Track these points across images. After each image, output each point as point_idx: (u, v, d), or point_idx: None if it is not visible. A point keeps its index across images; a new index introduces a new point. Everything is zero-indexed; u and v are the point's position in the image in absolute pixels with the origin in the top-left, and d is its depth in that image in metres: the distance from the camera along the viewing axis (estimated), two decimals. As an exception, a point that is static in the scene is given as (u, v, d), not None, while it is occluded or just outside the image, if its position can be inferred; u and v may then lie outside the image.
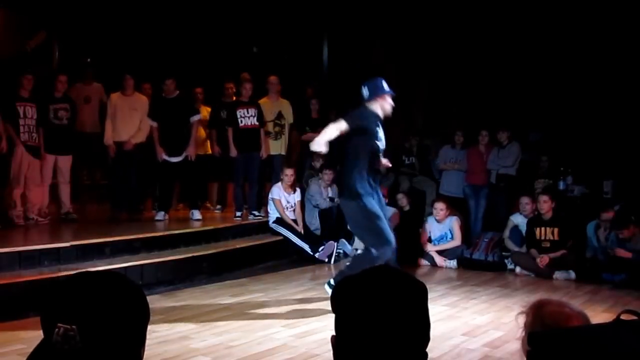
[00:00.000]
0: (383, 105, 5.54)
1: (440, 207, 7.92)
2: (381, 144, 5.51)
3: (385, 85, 5.56)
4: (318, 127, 9.39)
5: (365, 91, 5.55)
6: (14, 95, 7.19)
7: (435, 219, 7.91)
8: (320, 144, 5.34)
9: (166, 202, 8.23)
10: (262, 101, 8.55)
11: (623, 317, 1.15)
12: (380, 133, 5.51)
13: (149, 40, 10.51)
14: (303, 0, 11.25)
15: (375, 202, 5.45)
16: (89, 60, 9.90)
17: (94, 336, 1.14)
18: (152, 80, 8.80)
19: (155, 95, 8.39)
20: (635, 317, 1.15)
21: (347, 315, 1.25)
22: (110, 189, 8.54)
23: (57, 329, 1.13)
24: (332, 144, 9.89)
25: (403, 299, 1.23)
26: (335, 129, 5.39)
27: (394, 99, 5.63)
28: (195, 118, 8.16)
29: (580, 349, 1.12)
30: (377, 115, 5.53)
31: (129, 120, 7.84)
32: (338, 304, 1.27)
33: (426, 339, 1.25)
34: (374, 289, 1.24)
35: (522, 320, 1.89)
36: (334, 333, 1.28)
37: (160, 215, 7.96)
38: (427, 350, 1.28)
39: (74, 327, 1.12)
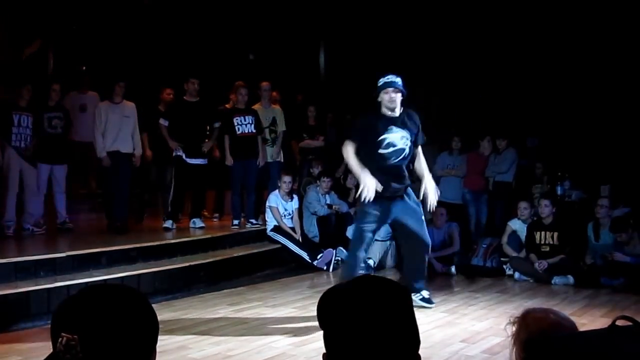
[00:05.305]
0: (383, 100, 5.36)
1: (440, 212, 7.84)
2: (387, 150, 5.36)
3: (385, 78, 5.35)
4: (315, 133, 9.43)
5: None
6: (12, 104, 7.17)
7: (435, 225, 7.86)
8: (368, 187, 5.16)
9: (177, 208, 8.00)
10: (255, 107, 8.46)
11: (618, 323, 1.14)
12: (388, 136, 5.33)
13: (144, 48, 10.52)
14: (299, 7, 11.28)
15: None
16: (84, 68, 9.89)
17: (95, 347, 1.15)
18: (151, 87, 8.81)
19: (175, 98, 8.29)
20: (630, 323, 1.14)
21: (335, 329, 1.23)
22: (105, 200, 8.35)
23: (60, 339, 1.15)
24: (332, 151, 9.83)
25: (388, 306, 1.22)
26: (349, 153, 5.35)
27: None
28: (217, 124, 8.15)
29: (575, 356, 1.11)
30: (376, 117, 5.38)
31: (122, 129, 7.57)
32: (325, 319, 1.26)
33: (416, 342, 1.24)
34: (358, 299, 1.23)
35: (510, 329, 1.92)
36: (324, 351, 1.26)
37: (168, 224, 7.78)
38: (427, 357, 1.27)
39: (75, 336, 1.14)
